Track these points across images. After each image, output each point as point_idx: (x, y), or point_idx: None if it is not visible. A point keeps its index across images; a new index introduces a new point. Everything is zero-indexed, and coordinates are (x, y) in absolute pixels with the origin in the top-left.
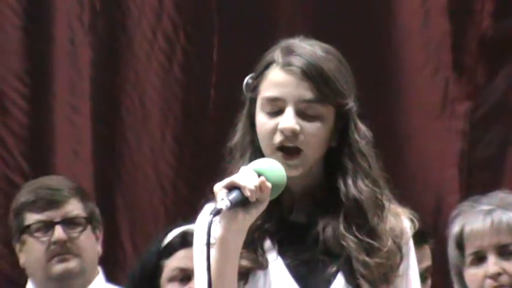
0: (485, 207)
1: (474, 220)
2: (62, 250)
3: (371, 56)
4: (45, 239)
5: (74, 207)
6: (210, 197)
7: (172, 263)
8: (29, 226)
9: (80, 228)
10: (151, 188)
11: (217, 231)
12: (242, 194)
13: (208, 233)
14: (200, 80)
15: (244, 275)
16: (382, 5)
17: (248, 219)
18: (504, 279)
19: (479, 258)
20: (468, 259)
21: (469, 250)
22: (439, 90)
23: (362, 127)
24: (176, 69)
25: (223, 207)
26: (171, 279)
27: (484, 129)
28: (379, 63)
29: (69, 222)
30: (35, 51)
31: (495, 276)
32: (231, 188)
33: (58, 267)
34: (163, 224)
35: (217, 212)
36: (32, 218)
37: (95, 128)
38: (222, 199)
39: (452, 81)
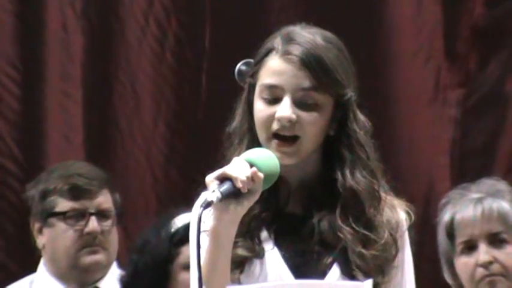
0: (476, 196)
1: (465, 209)
2: (94, 242)
3: (364, 44)
4: (78, 227)
5: (106, 199)
6: (205, 185)
7: (187, 251)
8: (62, 212)
9: (110, 222)
10: (143, 175)
11: (209, 222)
12: (234, 185)
13: (199, 226)
14: (192, 67)
15: (241, 263)
16: None
17: (240, 210)
18: (495, 267)
19: (470, 246)
20: (459, 248)
21: (460, 239)
22: (431, 78)
23: (361, 117)
24: (168, 56)
25: (214, 200)
26: (186, 268)
27: (476, 117)
28: (372, 51)
29: (102, 215)
30: (27, 37)
31: (486, 265)
32: (222, 179)
33: (87, 259)
34: (154, 211)
35: (208, 205)
36: (66, 204)
37: (87, 115)
38: (213, 191)
39: (444, 68)
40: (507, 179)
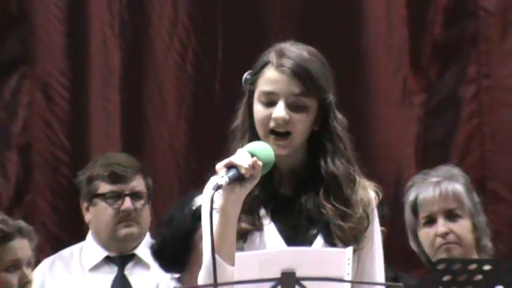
0: (435, 179)
1: (426, 190)
2: (128, 218)
3: (346, 58)
4: (116, 206)
5: (139, 183)
6: (214, 171)
7: None
8: (103, 194)
9: (142, 202)
10: (168, 163)
11: (219, 201)
12: (238, 171)
13: (211, 204)
14: (207, 76)
15: (244, 235)
16: (353, 15)
17: (244, 191)
18: (451, 237)
19: (430, 220)
20: (421, 221)
21: (422, 214)
22: (399, 85)
23: (339, 116)
24: (188, 67)
25: (223, 183)
26: None
27: (435, 116)
28: (352, 63)
29: (135, 196)
30: (75, 51)
31: (443, 235)
32: (229, 166)
33: (123, 231)
34: (177, 192)
35: (218, 187)
36: (106, 187)
37: (123, 115)
38: (222, 176)
39: (410, 77)
40: (460, 166)
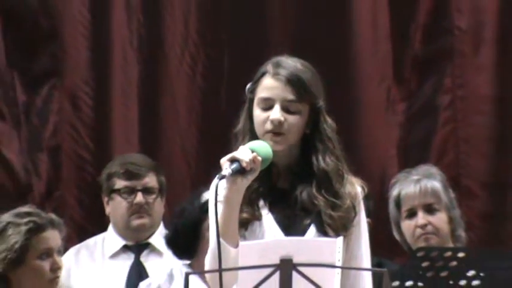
0: (415, 177)
1: (408, 187)
2: (140, 210)
3: (337, 70)
4: (129, 200)
5: (151, 180)
6: (219, 170)
7: None
8: (119, 189)
9: (154, 196)
10: (180, 163)
11: (222, 192)
12: (240, 165)
13: (216, 192)
14: (215, 86)
15: (245, 224)
16: (344, 34)
17: (245, 183)
18: (429, 228)
19: (411, 214)
20: (403, 214)
21: (404, 208)
22: (383, 94)
23: (329, 119)
24: (198, 79)
25: (227, 174)
26: None
27: (415, 122)
28: (342, 75)
29: (147, 191)
30: (98, 65)
31: (423, 226)
32: (232, 160)
33: (136, 222)
34: (188, 189)
35: (222, 177)
36: (121, 183)
37: (141, 120)
38: (226, 168)
39: (393, 87)
40: (438, 166)
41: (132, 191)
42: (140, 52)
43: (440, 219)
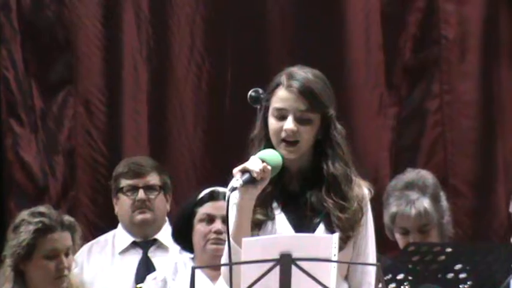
0: (412, 197)
1: (404, 208)
2: (142, 206)
3: (332, 77)
4: (132, 197)
5: (153, 178)
6: (229, 172)
7: (202, 210)
8: (122, 188)
9: (155, 193)
10: (187, 164)
11: (236, 200)
12: (251, 175)
13: (227, 204)
14: (219, 93)
15: (259, 224)
16: (339, 44)
17: (256, 191)
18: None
19: (405, 232)
20: (398, 230)
21: (399, 225)
22: (376, 100)
23: (339, 126)
24: (204, 86)
25: (238, 186)
26: (201, 221)
27: (406, 126)
28: (338, 82)
29: (149, 188)
30: (111, 73)
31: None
32: (243, 171)
33: (139, 217)
34: (194, 189)
35: (233, 189)
36: (125, 182)
37: (150, 125)
38: (237, 180)
39: (385, 94)
40: (427, 166)
41: (134, 188)
42: (149, 61)
43: (431, 236)
